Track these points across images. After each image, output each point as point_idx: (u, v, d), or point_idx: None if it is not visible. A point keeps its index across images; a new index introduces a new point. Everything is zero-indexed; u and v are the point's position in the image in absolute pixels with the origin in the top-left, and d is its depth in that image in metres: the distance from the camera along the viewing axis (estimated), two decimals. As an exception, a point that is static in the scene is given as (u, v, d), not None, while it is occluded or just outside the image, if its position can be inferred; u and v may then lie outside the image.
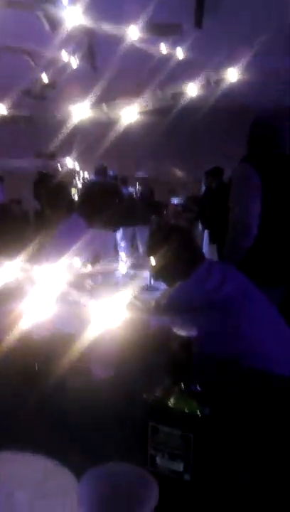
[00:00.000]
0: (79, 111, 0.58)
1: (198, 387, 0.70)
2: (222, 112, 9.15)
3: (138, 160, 10.95)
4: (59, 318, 1.33)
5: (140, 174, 8.26)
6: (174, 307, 1.64)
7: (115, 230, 6.44)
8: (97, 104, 0.60)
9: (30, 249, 2.48)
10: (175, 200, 7.54)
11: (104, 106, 0.58)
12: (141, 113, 0.56)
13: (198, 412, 0.67)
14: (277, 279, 2.26)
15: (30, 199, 6.44)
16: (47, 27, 0.72)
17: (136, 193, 8.28)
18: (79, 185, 7.08)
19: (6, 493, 0.82)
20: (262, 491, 0.83)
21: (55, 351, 1.26)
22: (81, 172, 6.96)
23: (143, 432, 0.70)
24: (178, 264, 1.68)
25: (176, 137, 10.72)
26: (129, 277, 2.41)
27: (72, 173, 6.73)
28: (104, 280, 0.92)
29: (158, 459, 0.69)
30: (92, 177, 6.35)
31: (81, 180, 7.10)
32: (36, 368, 1.27)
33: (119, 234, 7.13)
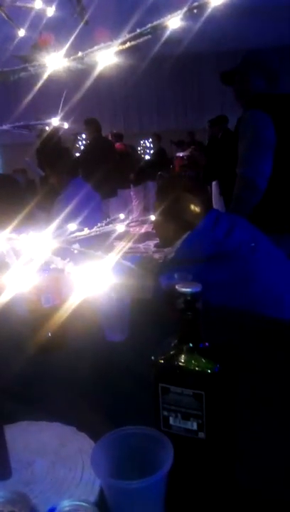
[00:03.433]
0: (54, 62, 0.52)
1: (207, 344, 0.67)
2: (212, 52, 8.79)
3: (139, 117, 10.71)
4: (66, 287, 1.32)
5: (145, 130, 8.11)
6: (183, 259, 1.61)
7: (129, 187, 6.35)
8: (73, 52, 0.54)
9: (33, 217, 2.45)
10: (181, 153, 7.39)
11: (80, 53, 0.52)
12: (120, 55, 0.50)
13: (208, 370, 0.64)
14: (284, 225, 2.19)
15: (34, 166, 6.36)
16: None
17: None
18: (82, 148, 6.96)
19: (27, 462, 0.83)
20: (276, 444, 0.83)
21: (66, 317, 1.25)
22: (82, 134, 6.82)
23: (155, 393, 0.69)
24: (185, 214, 1.63)
25: (178, 83, 10.39)
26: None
27: (74, 135, 6.59)
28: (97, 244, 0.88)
29: (171, 420, 0.68)
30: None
31: (82, 142, 6.97)
32: (49, 335, 1.27)
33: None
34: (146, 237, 6.84)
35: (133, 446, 0.68)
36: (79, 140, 7.11)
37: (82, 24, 0.77)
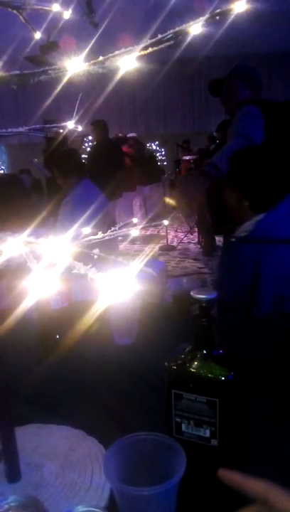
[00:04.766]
0: (74, 66, 0.52)
1: (221, 351, 0.67)
2: (220, 56, 8.79)
3: (146, 120, 10.71)
4: (75, 289, 1.32)
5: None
6: (255, 238, 1.62)
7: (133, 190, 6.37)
8: (94, 57, 0.54)
9: (41, 220, 2.45)
10: (187, 157, 7.41)
11: (100, 58, 0.52)
12: (141, 60, 0.50)
13: (222, 377, 0.64)
14: None
15: (41, 167, 6.37)
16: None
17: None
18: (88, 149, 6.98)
19: (36, 465, 0.83)
20: (286, 451, 0.82)
21: (74, 319, 1.25)
22: (89, 136, 6.85)
23: (167, 399, 0.68)
24: (260, 195, 1.64)
25: (185, 86, 10.39)
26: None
27: (81, 137, 6.61)
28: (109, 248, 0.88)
29: (183, 426, 0.68)
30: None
31: (89, 144, 6.99)
32: (57, 337, 1.27)
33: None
34: (150, 239, 6.85)
35: (145, 452, 0.68)
36: (86, 141, 7.13)
37: (99, 29, 0.77)
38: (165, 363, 0.68)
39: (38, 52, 0.96)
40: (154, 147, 9.54)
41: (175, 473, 0.62)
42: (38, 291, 0.39)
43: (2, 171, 9.73)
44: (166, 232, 6.65)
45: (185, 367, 0.66)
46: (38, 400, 1.03)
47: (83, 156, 6.03)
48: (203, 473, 0.68)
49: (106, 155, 5.41)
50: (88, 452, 0.85)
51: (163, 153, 10.06)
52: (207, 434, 0.66)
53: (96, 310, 0.80)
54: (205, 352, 0.66)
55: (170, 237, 6.91)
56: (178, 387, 0.67)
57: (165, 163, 9.74)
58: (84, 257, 0.49)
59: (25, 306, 0.39)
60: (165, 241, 6.63)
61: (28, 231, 0.54)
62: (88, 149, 6.89)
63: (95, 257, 0.47)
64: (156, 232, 7.19)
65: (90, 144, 7.03)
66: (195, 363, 0.66)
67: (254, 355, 0.77)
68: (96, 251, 0.47)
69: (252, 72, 2.47)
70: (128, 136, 7.76)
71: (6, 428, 0.78)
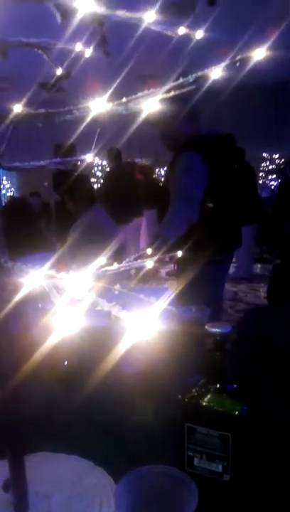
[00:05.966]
0: (98, 106, 0.55)
1: (235, 386, 0.67)
2: (244, 92, 8.97)
3: (155, 147, 10.83)
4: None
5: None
6: None
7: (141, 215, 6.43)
8: (116, 97, 0.57)
9: (48, 244, 2.47)
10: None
11: (124, 99, 0.54)
12: (162, 102, 0.52)
13: (236, 412, 0.64)
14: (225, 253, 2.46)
15: (51, 191, 6.45)
16: (59, 19, 0.68)
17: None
18: (98, 174, 7.08)
19: (44, 494, 0.82)
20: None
21: (83, 346, 1.25)
22: (99, 162, 6.95)
23: (180, 433, 0.69)
24: None
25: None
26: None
27: (91, 164, 6.71)
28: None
29: (195, 460, 0.67)
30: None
31: (99, 168, 7.08)
32: (65, 364, 1.27)
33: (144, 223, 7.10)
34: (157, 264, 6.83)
35: (157, 486, 0.67)
36: (96, 166, 7.23)
37: (124, 68, 0.80)
38: (179, 396, 0.69)
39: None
40: (163, 173, 9.62)
41: (187, 508, 0.62)
42: (63, 328, 0.40)
43: (12, 194, 9.84)
44: (172, 257, 6.65)
45: (199, 400, 0.67)
46: (45, 427, 1.02)
47: (93, 180, 6.12)
48: (215, 508, 0.68)
49: (117, 181, 5.49)
50: (97, 483, 0.85)
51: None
52: (220, 468, 0.66)
53: (120, 349, 0.81)
54: (218, 386, 0.67)
55: (176, 262, 6.90)
56: (191, 420, 0.67)
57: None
58: (106, 293, 0.50)
59: (51, 343, 0.40)
60: (171, 266, 6.63)
61: (48, 264, 0.56)
62: (98, 173, 6.98)
63: (116, 292, 0.49)
64: (162, 257, 7.16)
65: (100, 168, 7.13)
66: (209, 396, 0.67)
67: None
68: (117, 286, 0.48)
69: (194, 107, 2.43)
70: (136, 161, 7.86)
71: (17, 459, 0.77)
